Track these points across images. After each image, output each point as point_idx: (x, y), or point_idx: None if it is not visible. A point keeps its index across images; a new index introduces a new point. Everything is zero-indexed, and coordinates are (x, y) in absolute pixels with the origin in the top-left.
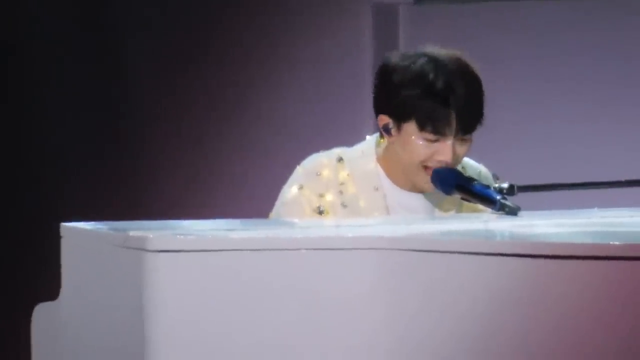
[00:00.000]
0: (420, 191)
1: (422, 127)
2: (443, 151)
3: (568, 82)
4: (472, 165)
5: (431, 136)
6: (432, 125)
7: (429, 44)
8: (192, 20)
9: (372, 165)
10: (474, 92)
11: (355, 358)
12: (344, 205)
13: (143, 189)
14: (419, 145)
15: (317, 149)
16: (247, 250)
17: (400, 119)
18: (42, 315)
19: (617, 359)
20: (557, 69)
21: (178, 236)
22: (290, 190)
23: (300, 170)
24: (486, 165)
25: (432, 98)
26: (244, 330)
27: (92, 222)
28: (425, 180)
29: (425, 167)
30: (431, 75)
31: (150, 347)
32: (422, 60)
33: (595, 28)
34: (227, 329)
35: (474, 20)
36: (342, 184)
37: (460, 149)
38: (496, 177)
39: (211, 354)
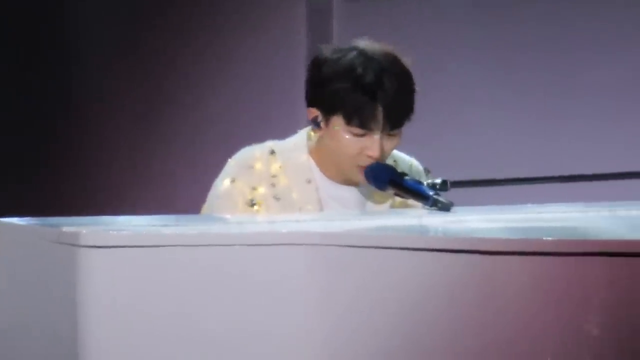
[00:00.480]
0: (353, 184)
1: (348, 121)
2: (371, 146)
3: (505, 75)
4: (403, 159)
5: (358, 130)
6: (359, 119)
7: (362, 38)
8: (126, 18)
9: (304, 158)
10: (403, 87)
11: (289, 351)
12: (276, 198)
13: (77, 186)
14: (347, 139)
15: (250, 144)
16: (180, 245)
17: (328, 112)
18: None
19: (551, 355)
20: (494, 62)
21: (111, 232)
22: (223, 183)
23: (232, 163)
24: (420, 159)
25: (359, 92)
26: (177, 325)
27: (26, 218)
28: (357, 175)
29: (359, 167)
30: (359, 69)
31: (82, 343)
32: (352, 54)
33: (529, 19)
34: (160, 324)
35: (408, 16)
36: (274, 176)
37: (389, 143)
38: (427, 171)
39: (143, 348)
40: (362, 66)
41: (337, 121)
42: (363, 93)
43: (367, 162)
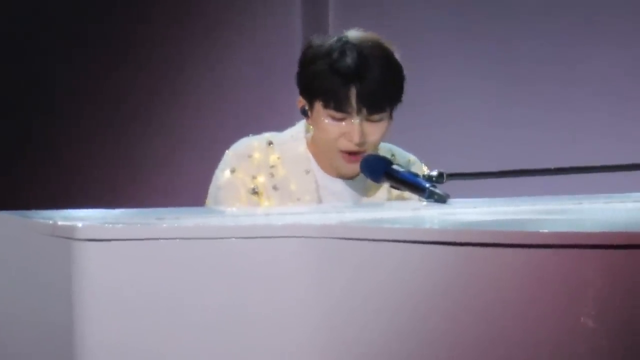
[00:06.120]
0: (346, 176)
1: (326, 105)
2: (350, 131)
3: (502, 67)
4: (401, 154)
5: (335, 114)
6: (334, 102)
7: (354, 28)
8: (119, 12)
9: (302, 149)
10: (382, 72)
11: (284, 342)
12: (275, 188)
13: (73, 177)
14: (326, 124)
15: (246, 136)
16: (176, 238)
17: (310, 97)
18: None
19: (547, 347)
20: (489, 55)
21: (107, 225)
22: (224, 174)
23: (230, 153)
24: (415, 152)
25: (333, 74)
26: (173, 317)
27: (21, 211)
28: (342, 164)
29: (343, 153)
30: (336, 54)
31: (78, 336)
32: (333, 40)
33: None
34: (157, 317)
35: (404, 8)
36: (272, 166)
37: (372, 129)
38: (426, 167)
39: (140, 340)
40: (339, 50)
41: (318, 106)
42: (337, 76)
43: (347, 146)
